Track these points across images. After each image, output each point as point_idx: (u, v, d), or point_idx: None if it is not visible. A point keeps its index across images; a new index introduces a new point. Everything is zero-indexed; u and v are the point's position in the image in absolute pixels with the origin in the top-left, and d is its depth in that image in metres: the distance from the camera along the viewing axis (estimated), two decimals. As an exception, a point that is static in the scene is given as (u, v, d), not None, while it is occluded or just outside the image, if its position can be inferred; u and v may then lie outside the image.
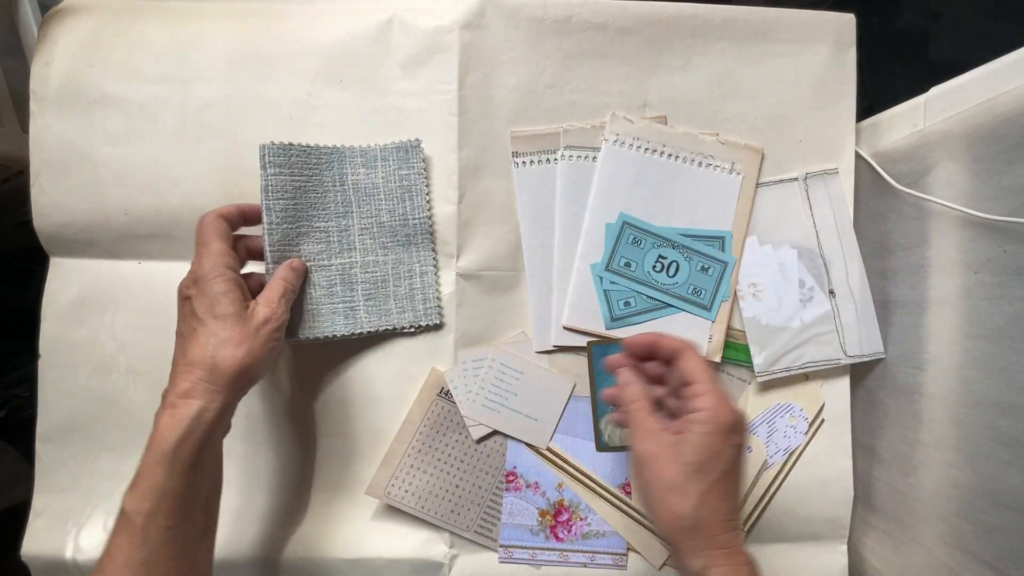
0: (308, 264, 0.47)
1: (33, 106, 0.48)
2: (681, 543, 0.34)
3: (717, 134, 0.50)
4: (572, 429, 0.50)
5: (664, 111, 0.50)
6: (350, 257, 0.47)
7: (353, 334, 0.47)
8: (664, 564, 0.50)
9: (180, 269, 0.48)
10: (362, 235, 0.48)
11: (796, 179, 0.50)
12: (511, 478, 0.50)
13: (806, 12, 0.50)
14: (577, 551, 0.50)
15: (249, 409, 0.49)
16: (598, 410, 0.48)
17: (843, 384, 0.51)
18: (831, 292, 0.50)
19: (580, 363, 0.50)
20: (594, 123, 0.50)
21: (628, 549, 0.50)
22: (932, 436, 0.45)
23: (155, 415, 0.37)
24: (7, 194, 0.60)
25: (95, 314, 0.49)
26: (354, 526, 0.49)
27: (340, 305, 0.47)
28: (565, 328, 0.49)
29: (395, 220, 0.48)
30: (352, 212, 0.48)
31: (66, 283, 0.49)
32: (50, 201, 0.48)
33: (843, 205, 0.50)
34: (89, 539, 0.48)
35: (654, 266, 0.49)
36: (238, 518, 0.49)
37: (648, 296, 0.49)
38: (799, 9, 0.50)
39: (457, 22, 0.49)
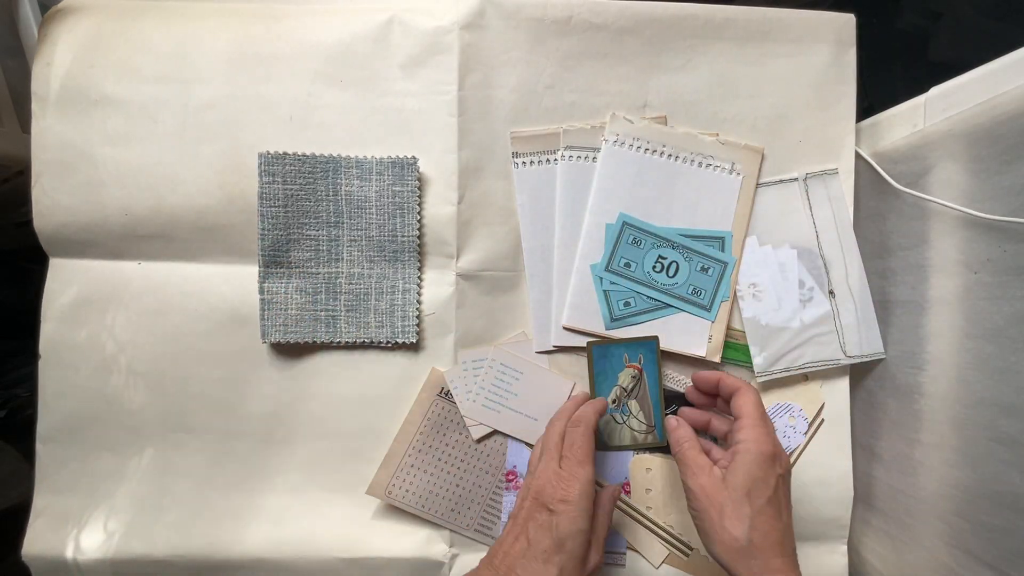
0: (295, 270, 0.48)
1: (34, 107, 0.48)
2: (738, 566, 0.37)
3: (717, 134, 0.50)
4: (572, 429, 0.50)
5: (664, 111, 0.50)
6: (336, 267, 0.48)
7: (332, 342, 0.48)
8: (663, 563, 0.50)
9: (180, 269, 0.49)
10: (350, 247, 0.48)
11: (796, 179, 0.50)
12: (511, 477, 0.50)
13: (806, 12, 0.50)
14: (577, 551, 0.50)
15: (249, 409, 0.49)
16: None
17: (843, 384, 0.51)
18: (831, 292, 0.50)
19: (580, 363, 0.50)
20: (594, 123, 0.50)
21: (628, 548, 0.50)
22: (932, 436, 0.45)
23: None
24: (7, 194, 0.60)
25: (95, 315, 0.49)
26: (354, 526, 0.49)
27: (322, 313, 0.48)
28: (565, 328, 0.49)
29: (384, 235, 0.48)
30: (343, 223, 0.48)
31: (66, 283, 0.49)
32: (50, 201, 0.48)
33: (843, 205, 0.50)
34: (90, 539, 0.48)
35: (654, 266, 0.49)
36: (238, 518, 0.49)
37: (648, 296, 0.49)
38: (799, 9, 0.50)
39: (457, 22, 0.49)
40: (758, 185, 0.50)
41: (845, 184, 0.51)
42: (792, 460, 0.51)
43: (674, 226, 0.49)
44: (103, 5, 0.49)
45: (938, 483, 0.45)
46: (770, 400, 0.51)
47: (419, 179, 0.49)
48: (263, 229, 0.47)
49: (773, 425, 0.42)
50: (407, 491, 0.49)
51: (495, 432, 0.50)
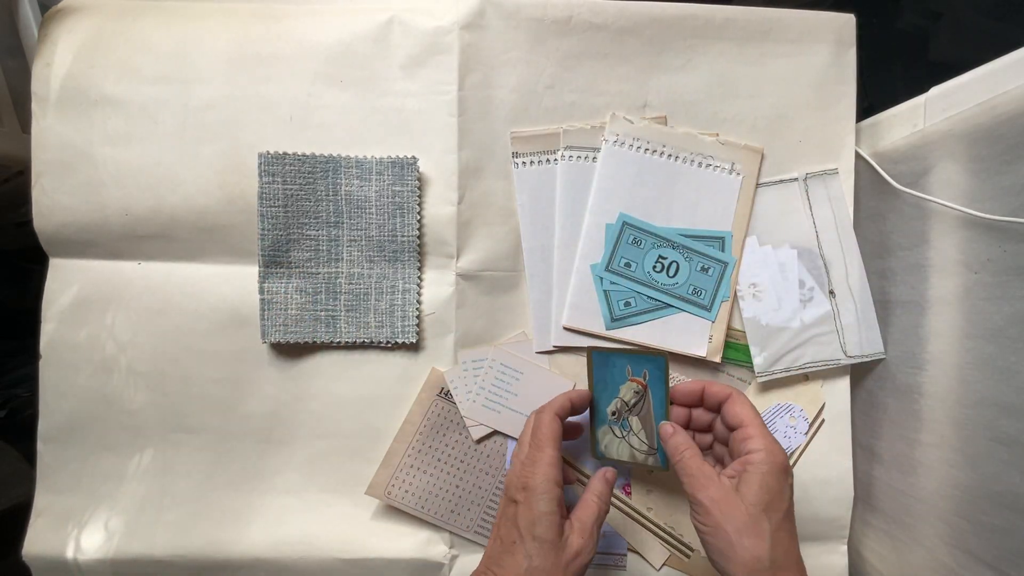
0: (295, 270, 0.48)
1: (35, 107, 0.48)
2: None
3: (717, 134, 0.50)
4: (572, 429, 0.50)
5: (664, 111, 0.50)
6: (336, 267, 0.48)
7: (332, 342, 0.48)
8: (664, 564, 0.50)
9: (180, 270, 0.49)
10: (350, 247, 0.48)
11: (796, 179, 0.50)
12: (511, 478, 0.50)
13: (806, 12, 0.50)
14: (577, 551, 0.50)
15: (249, 409, 0.49)
16: (595, 419, 0.45)
17: (843, 384, 0.51)
18: (831, 292, 0.50)
19: (580, 363, 0.50)
20: (594, 123, 0.50)
21: (628, 549, 0.50)
22: (932, 436, 0.45)
23: None
24: (7, 194, 0.60)
25: (95, 315, 0.49)
26: (354, 526, 0.49)
27: (322, 313, 0.48)
28: (565, 328, 0.49)
29: (384, 235, 0.48)
30: (343, 223, 0.48)
31: (66, 283, 0.49)
32: (50, 201, 0.48)
33: (843, 205, 0.50)
34: (90, 539, 0.48)
35: (654, 266, 0.49)
36: (238, 518, 0.49)
37: (648, 296, 0.49)
38: (799, 9, 0.50)
39: (457, 22, 0.49)
40: (758, 185, 0.50)
41: (845, 184, 0.51)
42: (793, 460, 0.51)
43: (674, 226, 0.49)
44: (103, 5, 0.49)
45: (938, 483, 0.45)
46: (770, 400, 0.51)
47: (419, 179, 0.49)
48: (263, 229, 0.47)
49: None
50: (407, 492, 0.49)
51: (495, 432, 0.50)
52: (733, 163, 0.50)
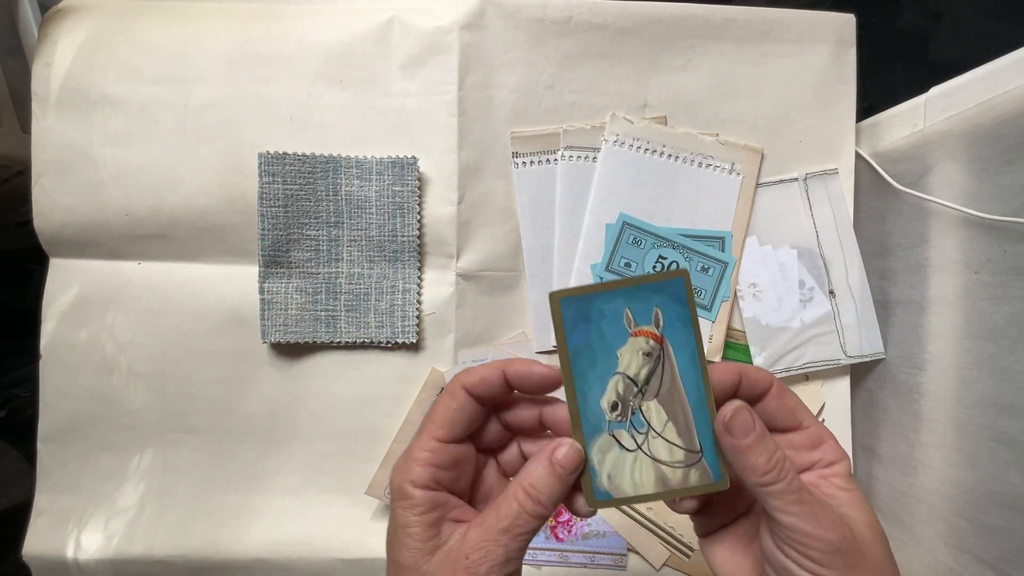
0: (295, 270, 0.48)
1: (35, 107, 0.48)
2: None
3: (717, 134, 0.50)
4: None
5: (664, 111, 0.50)
6: (336, 267, 0.48)
7: (332, 342, 0.48)
8: (664, 564, 0.50)
9: (180, 270, 0.49)
10: (350, 247, 0.48)
11: (796, 179, 0.50)
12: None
13: (806, 12, 0.50)
14: (577, 551, 0.50)
15: (249, 409, 0.49)
16: (582, 428, 0.26)
17: (843, 384, 0.51)
18: (831, 292, 0.50)
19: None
20: (594, 123, 0.50)
21: (628, 549, 0.50)
22: (932, 436, 0.45)
23: None
24: (7, 194, 0.60)
25: (95, 315, 0.49)
26: (354, 526, 0.49)
27: (322, 313, 0.48)
28: (565, 328, 0.49)
29: (384, 235, 0.48)
30: (343, 223, 0.48)
31: (66, 283, 0.49)
32: (51, 201, 0.48)
33: (843, 205, 0.50)
34: (90, 539, 0.48)
35: (654, 266, 0.49)
36: (238, 518, 0.49)
37: (648, 296, 0.49)
38: (799, 9, 0.50)
39: (457, 23, 0.49)
40: (758, 185, 0.50)
41: (845, 184, 0.51)
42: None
43: (674, 226, 0.49)
44: (103, 5, 0.49)
45: (938, 483, 0.45)
46: (770, 400, 0.51)
47: (419, 179, 0.49)
48: (263, 229, 0.47)
49: None
50: (407, 491, 0.49)
51: (495, 432, 0.50)
52: (733, 163, 0.50)
